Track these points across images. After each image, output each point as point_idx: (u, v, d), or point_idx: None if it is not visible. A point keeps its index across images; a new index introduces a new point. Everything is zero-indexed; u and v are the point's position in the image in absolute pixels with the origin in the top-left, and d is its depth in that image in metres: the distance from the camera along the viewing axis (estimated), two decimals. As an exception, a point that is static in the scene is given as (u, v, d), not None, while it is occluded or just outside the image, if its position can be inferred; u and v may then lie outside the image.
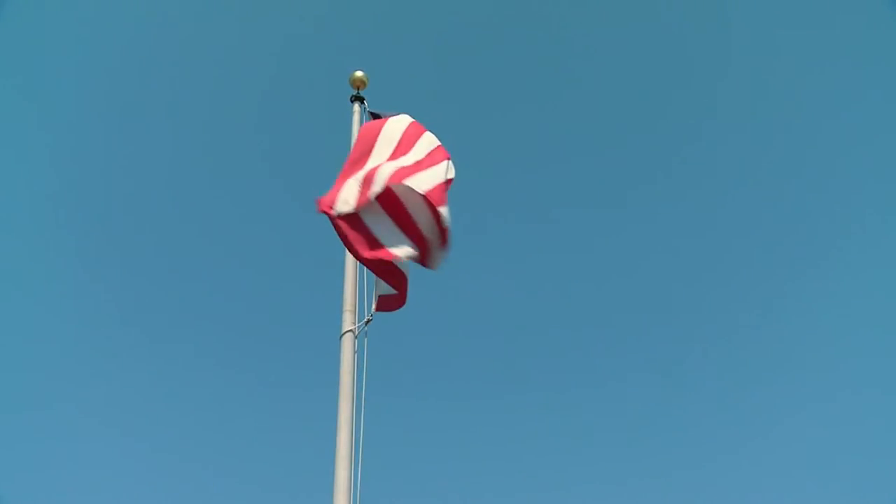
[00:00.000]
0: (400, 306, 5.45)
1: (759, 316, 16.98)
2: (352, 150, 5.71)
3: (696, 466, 15.16)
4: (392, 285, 5.36)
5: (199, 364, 16.36)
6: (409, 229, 5.15)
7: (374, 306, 5.38)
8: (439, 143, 5.72)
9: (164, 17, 17.08)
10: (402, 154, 5.54)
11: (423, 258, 5.08)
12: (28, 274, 15.50)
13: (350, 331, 5.21)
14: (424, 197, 5.04)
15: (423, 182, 5.13)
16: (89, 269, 16.32)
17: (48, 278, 15.72)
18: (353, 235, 4.95)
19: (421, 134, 5.80)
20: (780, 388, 15.85)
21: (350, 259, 5.51)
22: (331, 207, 4.94)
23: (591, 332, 17.71)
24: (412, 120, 5.96)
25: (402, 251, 5.02)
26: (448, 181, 5.31)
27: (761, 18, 17.39)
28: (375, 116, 6.65)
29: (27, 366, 14.47)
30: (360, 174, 5.24)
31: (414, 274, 5.78)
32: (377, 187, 5.08)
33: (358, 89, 6.79)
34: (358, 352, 5.19)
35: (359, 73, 6.87)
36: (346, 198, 5.02)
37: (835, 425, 14.64)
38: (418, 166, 5.32)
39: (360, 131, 5.83)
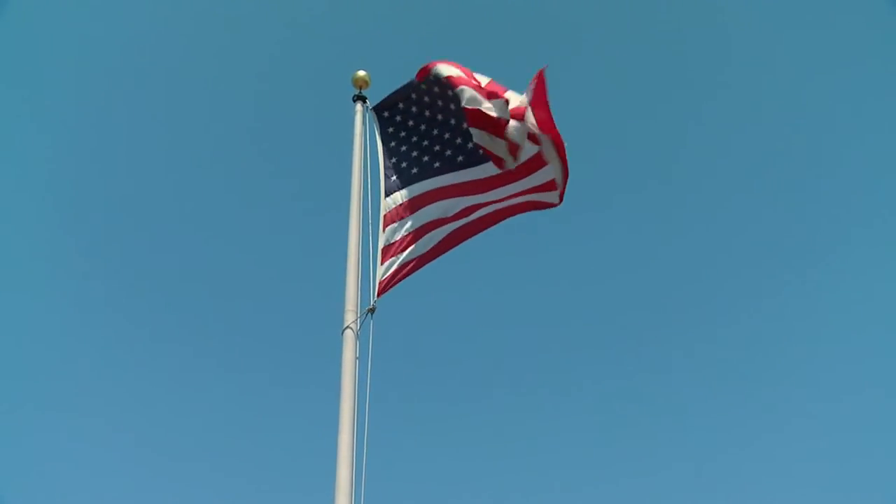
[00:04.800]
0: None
1: (759, 316, 17.03)
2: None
3: (697, 467, 15.20)
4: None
5: (199, 363, 16.39)
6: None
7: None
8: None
9: (165, 16, 17.11)
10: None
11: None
12: (29, 274, 15.53)
13: (350, 327, 5.24)
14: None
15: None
16: (90, 268, 16.35)
17: (48, 278, 15.75)
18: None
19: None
20: (780, 388, 15.89)
21: (353, 256, 5.63)
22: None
23: (591, 333, 17.75)
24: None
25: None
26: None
27: (760, 19, 17.41)
28: (379, 116, 6.69)
29: (28, 366, 14.50)
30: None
31: (416, 274, 5.89)
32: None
33: (360, 89, 6.80)
34: (360, 344, 5.22)
35: (361, 73, 6.87)
36: None
37: (836, 426, 14.68)
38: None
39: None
